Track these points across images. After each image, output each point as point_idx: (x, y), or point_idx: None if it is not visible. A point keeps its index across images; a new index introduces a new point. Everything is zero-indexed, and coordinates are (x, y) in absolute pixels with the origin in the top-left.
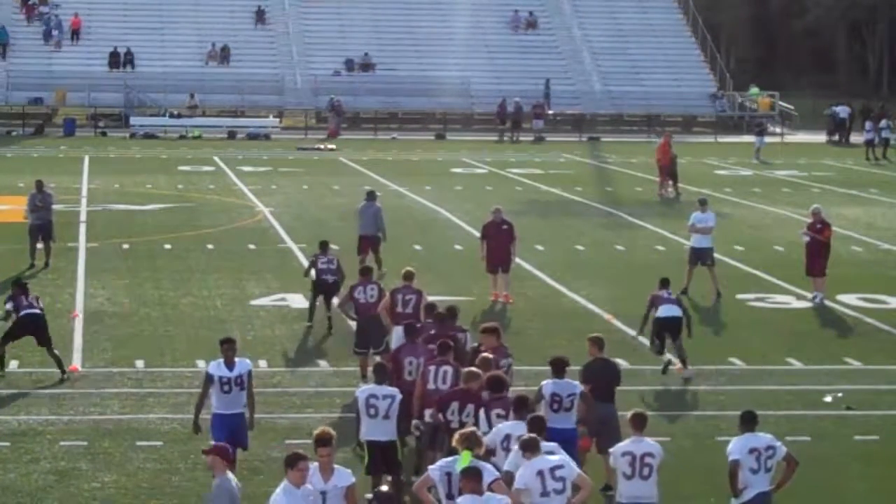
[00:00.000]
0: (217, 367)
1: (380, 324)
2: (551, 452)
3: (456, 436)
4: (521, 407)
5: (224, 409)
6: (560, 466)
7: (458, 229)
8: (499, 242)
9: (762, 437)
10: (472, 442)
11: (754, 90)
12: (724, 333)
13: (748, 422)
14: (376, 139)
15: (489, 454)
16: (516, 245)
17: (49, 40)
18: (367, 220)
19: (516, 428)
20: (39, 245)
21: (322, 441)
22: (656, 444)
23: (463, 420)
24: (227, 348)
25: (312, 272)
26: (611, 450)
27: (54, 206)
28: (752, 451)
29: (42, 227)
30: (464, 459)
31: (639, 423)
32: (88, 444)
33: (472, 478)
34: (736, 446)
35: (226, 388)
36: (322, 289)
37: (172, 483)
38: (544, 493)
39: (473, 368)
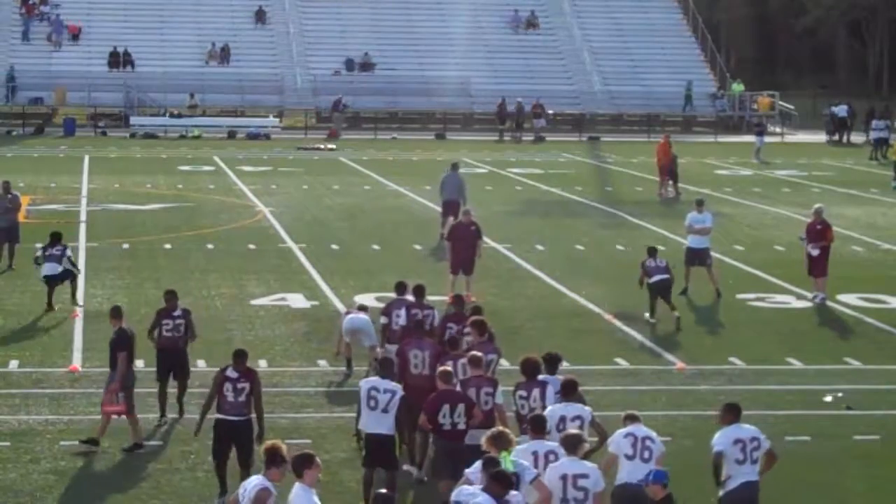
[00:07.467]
0: None
1: None
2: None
3: (484, 440)
4: (571, 390)
5: None
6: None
7: None
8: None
9: (747, 429)
10: (505, 442)
11: (738, 87)
12: (724, 333)
13: (733, 413)
14: (376, 139)
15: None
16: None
17: (30, 38)
18: (450, 187)
19: (568, 409)
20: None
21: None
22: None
23: (455, 421)
24: None
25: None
26: (611, 437)
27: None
28: (736, 441)
29: (9, 229)
30: (507, 461)
31: (633, 419)
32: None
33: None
34: (720, 438)
35: None
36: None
37: (172, 483)
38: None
39: (447, 368)
